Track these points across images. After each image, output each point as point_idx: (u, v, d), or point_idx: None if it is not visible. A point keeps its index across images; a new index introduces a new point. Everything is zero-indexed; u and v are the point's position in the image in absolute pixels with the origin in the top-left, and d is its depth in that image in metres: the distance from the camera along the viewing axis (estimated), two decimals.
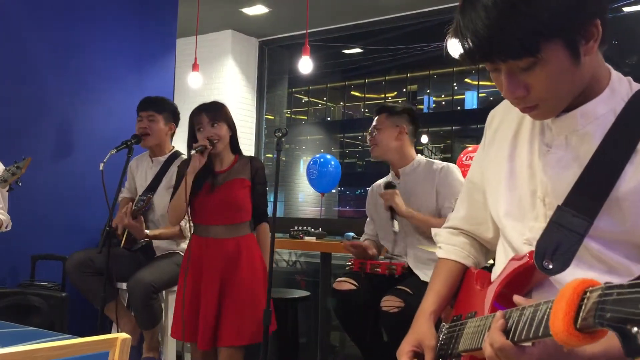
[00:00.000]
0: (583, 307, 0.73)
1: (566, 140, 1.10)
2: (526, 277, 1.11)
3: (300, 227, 3.92)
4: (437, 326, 1.35)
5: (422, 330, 1.29)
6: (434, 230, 1.49)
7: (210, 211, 2.82)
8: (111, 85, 3.99)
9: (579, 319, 0.73)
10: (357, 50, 9.49)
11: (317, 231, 3.91)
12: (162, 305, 3.15)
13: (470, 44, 0.99)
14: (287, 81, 9.43)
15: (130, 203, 3.10)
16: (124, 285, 3.05)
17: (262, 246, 2.84)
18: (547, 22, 0.95)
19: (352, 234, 3.74)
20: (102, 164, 2.76)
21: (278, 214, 2.83)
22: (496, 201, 1.23)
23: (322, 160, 6.18)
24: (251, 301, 2.68)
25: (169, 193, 3.20)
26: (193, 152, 2.74)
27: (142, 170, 3.37)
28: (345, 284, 2.69)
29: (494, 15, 0.95)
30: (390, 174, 2.93)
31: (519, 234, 1.16)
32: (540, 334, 0.84)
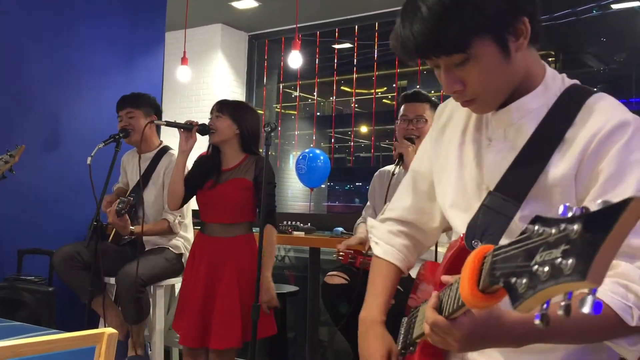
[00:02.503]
0: (483, 271, 0.79)
1: (504, 133, 1.17)
2: (461, 261, 1.13)
3: (289, 222, 3.92)
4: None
5: (387, 339, 1.33)
6: (370, 222, 1.51)
7: (208, 208, 2.84)
8: (99, 79, 3.96)
9: (481, 281, 0.79)
10: (347, 45, 9.48)
11: (306, 226, 3.91)
12: (150, 300, 3.14)
13: (407, 41, 1.07)
14: (277, 76, 9.39)
15: (115, 201, 3.08)
16: (111, 280, 3.04)
17: (266, 250, 2.82)
18: (476, 20, 1.02)
19: (341, 229, 3.74)
20: (89, 158, 2.75)
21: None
22: (444, 193, 1.29)
23: (311, 155, 6.17)
24: (238, 305, 2.67)
25: (156, 187, 3.19)
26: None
27: (132, 166, 3.35)
28: (336, 278, 2.68)
29: (427, 15, 1.03)
30: (398, 167, 2.76)
31: (465, 223, 1.20)
32: (460, 303, 0.90)
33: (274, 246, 2.83)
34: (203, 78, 7.40)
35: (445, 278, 1.03)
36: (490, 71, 1.07)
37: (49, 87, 3.68)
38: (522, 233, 0.70)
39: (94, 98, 3.90)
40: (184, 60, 5.75)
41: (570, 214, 0.62)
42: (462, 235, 1.13)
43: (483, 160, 1.20)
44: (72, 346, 0.86)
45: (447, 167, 1.28)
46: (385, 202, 2.69)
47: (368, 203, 3.03)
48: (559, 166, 1.08)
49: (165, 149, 3.31)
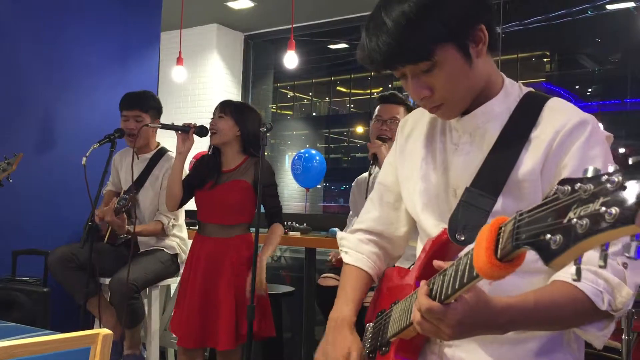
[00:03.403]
0: (500, 240, 0.81)
1: (471, 137, 1.25)
2: (442, 255, 1.18)
3: (285, 223, 3.91)
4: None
5: (355, 337, 1.33)
6: (339, 234, 1.56)
7: (207, 209, 2.84)
8: (95, 79, 3.94)
9: (499, 250, 0.81)
10: (343, 45, 9.48)
11: (301, 226, 3.91)
12: (146, 301, 3.13)
13: (374, 53, 1.14)
14: (273, 76, 9.39)
15: (115, 198, 3.07)
16: (106, 281, 3.03)
17: (267, 240, 2.82)
18: (438, 29, 1.10)
19: (336, 229, 3.73)
20: (84, 158, 2.74)
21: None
22: (413, 199, 1.34)
23: (306, 155, 6.17)
24: (242, 303, 2.67)
25: (154, 190, 3.18)
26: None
27: (126, 165, 3.33)
28: (329, 279, 2.70)
29: (392, 27, 1.11)
30: (374, 167, 2.88)
31: (436, 225, 1.27)
32: (465, 281, 0.91)
33: (277, 240, 2.82)
34: (199, 78, 7.39)
35: (438, 263, 1.05)
36: (455, 76, 1.15)
37: (43, 87, 3.67)
38: (549, 195, 0.71)
39: (89, 98, 3.89)
40: (179, 61, 5.74)
41: (591, 174, 0.64)
42: (443, 229, 1.17)
43: (450, 164, 1.27)
44: (67, 347, 0.85)
45: (414, 175, 1.34)
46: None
47: (351, 212, 3.04)
48: (527, 163, 1.16)
49: (162, 151, 3.30)
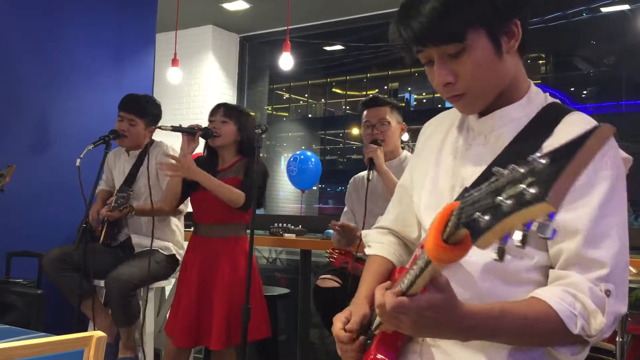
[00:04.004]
0: (449, 223, 0.81)
1: (485, 139, 1.24)
2: None
3: (280, 224, 3.91)
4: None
5: (356, 303, 1.35)
6: (364, 232, 1.58)
7: (202, 209, 2.86)
8: (89, 80, 3.93)
9: (446, 231, 0.81)
10: (339, 47, 9.49)
11: (297, 228, 3.90)
12: (141, 302, 3.12)
13: (409, 31, 1.14)
14: (268, 77, 9.40)
15: (111, 200, 3.09)
16: (101, 282, 3.02)
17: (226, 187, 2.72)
18: (475, 13, 1.11)
19: (332, 231, 3.73)
20: (78, 160, 2.73)
21: (258, 211, 2.83)
22: (419, 197, 1.35)
23: (302, 157, 6.17)
24: (235, 304, 2.68)
25: (152, 179, 3.19)
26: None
27: (120, 164, 3.34)
28: (329, 281, 2.69)
29: (429, 6, 1.11)
30: (372, 172, 2.82)
31: None
32: (423, 265, 0.91)
33: (223, 187, 2.68)
34: (194, 80, 7.38)
35: (418, 251, 1.04)
36: (482, 64, 1.14)
37: (37, 88, 3.66)
38: (492, 176, 0.72)
39: (84, 99, 3.88)
40: (174, 62, 5.73)
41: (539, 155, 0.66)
42: None
43: (461, 163, 1.27)
44: (61, 349, 0.85)
45: (425, 175, 1.35)
46: (364, 208, 2.70)
47: (346, 208, 3.05)
48: None
49: (150, 142, 3.31)
